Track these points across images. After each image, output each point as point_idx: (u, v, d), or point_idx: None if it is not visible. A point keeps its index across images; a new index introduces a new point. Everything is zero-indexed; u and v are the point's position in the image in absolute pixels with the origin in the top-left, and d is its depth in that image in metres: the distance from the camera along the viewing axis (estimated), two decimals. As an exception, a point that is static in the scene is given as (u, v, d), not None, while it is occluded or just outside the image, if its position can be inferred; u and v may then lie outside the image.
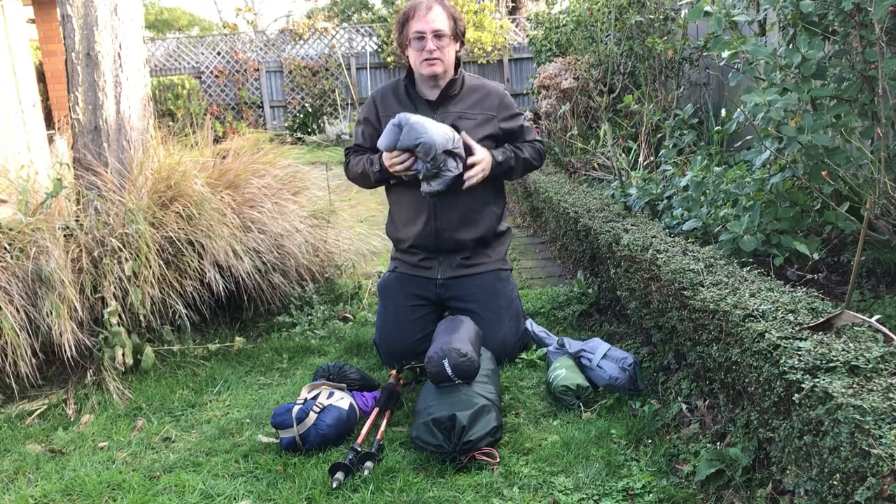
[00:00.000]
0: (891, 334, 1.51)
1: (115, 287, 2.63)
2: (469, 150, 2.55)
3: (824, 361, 1.41)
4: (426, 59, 2.57)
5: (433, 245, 2.67)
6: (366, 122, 2.76)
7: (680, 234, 2.67)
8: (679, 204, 2.94)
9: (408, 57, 2.65)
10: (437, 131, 2.44)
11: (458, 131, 2.59)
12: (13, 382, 2.43)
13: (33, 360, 2.44)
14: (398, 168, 2.52)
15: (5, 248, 2.58)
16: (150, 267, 2.67)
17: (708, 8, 2.40)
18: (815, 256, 2.23)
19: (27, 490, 1.98)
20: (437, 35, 2.55)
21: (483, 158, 2.56)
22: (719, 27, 2.38)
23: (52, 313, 2.46)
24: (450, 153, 2.48)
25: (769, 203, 2.38)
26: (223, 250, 2.82)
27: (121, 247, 2.68)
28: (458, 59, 2.68)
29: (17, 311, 2.44)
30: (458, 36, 2.64)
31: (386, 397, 2.27)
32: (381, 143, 2.52)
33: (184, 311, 2.74)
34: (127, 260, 2.65)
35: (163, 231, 2.78)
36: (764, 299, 1.76)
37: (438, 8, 2.58)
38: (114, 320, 2.58)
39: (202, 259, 2.80)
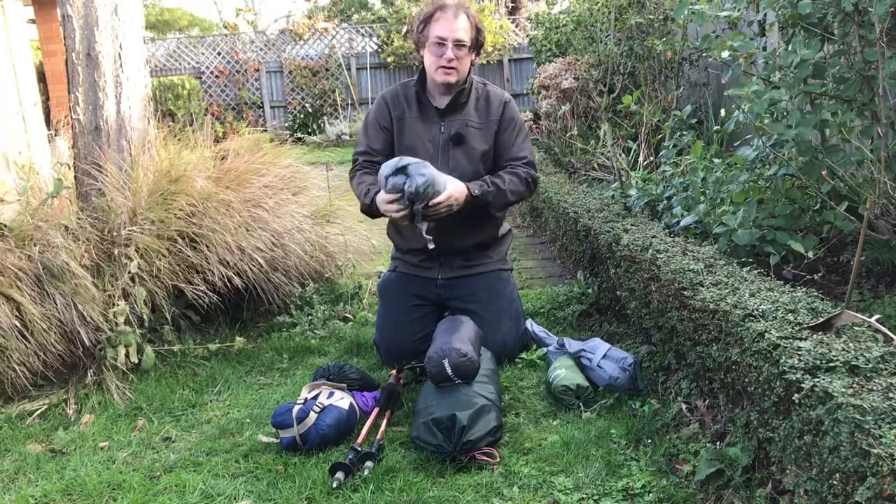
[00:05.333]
0: (890, 334, 1.51)
1: (122, 285, 2.63)
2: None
3: (824, 361, 1.41)
4: (443, 67, 2.52)
5: (433, 251, 2.66)
6: (377, 123, 2.69)
7: (679, 234, 2.67)
8: (679, 203, 2.95)
9: (422, 56, 2.61)
10: (437, 173, 2.37)
11: (463, 139, 2.58)
12: (40, 376, 2.48)
13: (61, 348, 2.48)
14: (394, 215, 2.40)
15: (10, 248, 2.58)
16: (157, 266, 2.68)
17: (699, 7, 2.40)
18: (811, 255, 2.23)
19: (27, 490, 1.98)
20: (459, 45, 2.51)
21: (451, 194, 2.38)
22: (704, 21, 2.39)
23: (68, 305, 2.47)
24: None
25: (767, 200, 2.39)
26: (230, 248, 2.83)
27: (126, 245, 2.69)
28: (470, 67, 2.65)
29: (33, 304, 2.45)
30: (478, 45, 2.61)
31: (386, 397, 2.27)
32: (384, 183, 2.36)
33: (193, 306, 2.74)
34: (132, 259, 2.66)
35: (168, 230, 2.78)
36: (764, 299, 1.76)
37: (464, 16, 2.53)
38: (120, 319, 2.58)
39: (208, 257, 2.80)
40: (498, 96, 2.69)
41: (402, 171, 2.33)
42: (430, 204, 2.35)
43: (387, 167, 2.36)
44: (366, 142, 2.71)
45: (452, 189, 2.40)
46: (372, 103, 2.81)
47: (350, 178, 2.73)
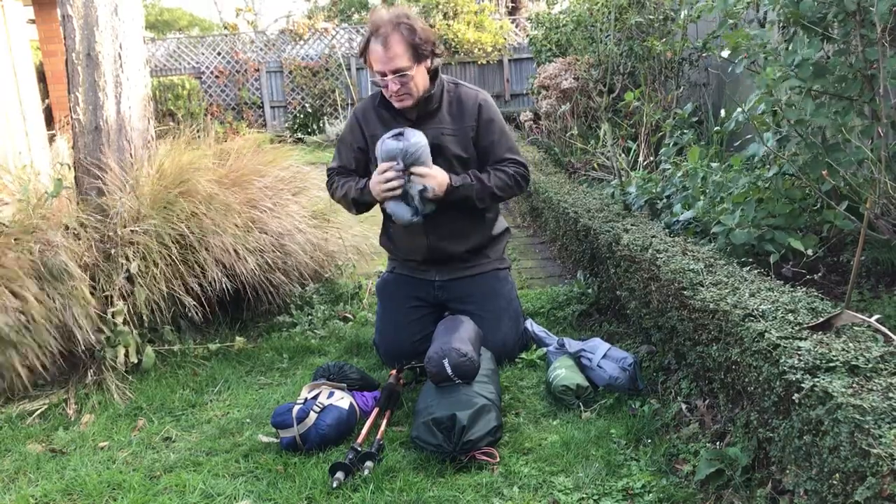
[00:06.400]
0: (890, 334, 1.51)
1: (120, 286, 2.63)
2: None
3: (824, 361, 1.41)
4: (393, 96, 2.47)
5: (428, 257, 2.66)
6: (351, 145, 2.64)
7: (679, 233, 2.67)
8: (679, 201, 2.95)
9: None
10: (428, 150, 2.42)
11: (440, 149, 2.52)
12: (40, 376, 2.49)
13: (63, 346, 2.47)
14: (390, 184, 2.37)
15: (10, 247, 2.58)
16: (157, 266, 2.68)
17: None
18: (810, 252, 2.23)
19: (28, 490, 1.98)
20: (398, 73, 2.39)
21: (435, 175, 2.39)
22: (727, 6, 2.37)
23: (66, 306, 2.47)
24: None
25: (767, 200, 2.39)
26: (228, 249, 2.83)
27: (126, 246, 2.69)
28: (434, 71, 2.53)
29: (38, 302, 2.46)
30: (425, 56, 2.44)
31: (386, 397, 2.27)
32: (380, 148, 2.41)
33: (192, 307, 2.74)
34: (132, 259, 2.66)
35: (169, 229, 2.78)
36: (764, 299, 1.76)
37: (395, 40, 2.36)
38: (119, 319, 2.58)
39: (209, 257, 2.80)
40: (471, 98, 2.58)
41: (398, 135, 2.38)
42: (416, 172, 2.37)
43: (384, 136, 2.41)
44: (339, 160, 2.69)
45: (437, 171, 2.41)
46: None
47: (329, 187, 2.70)
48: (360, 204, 2.58)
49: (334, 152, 2.76)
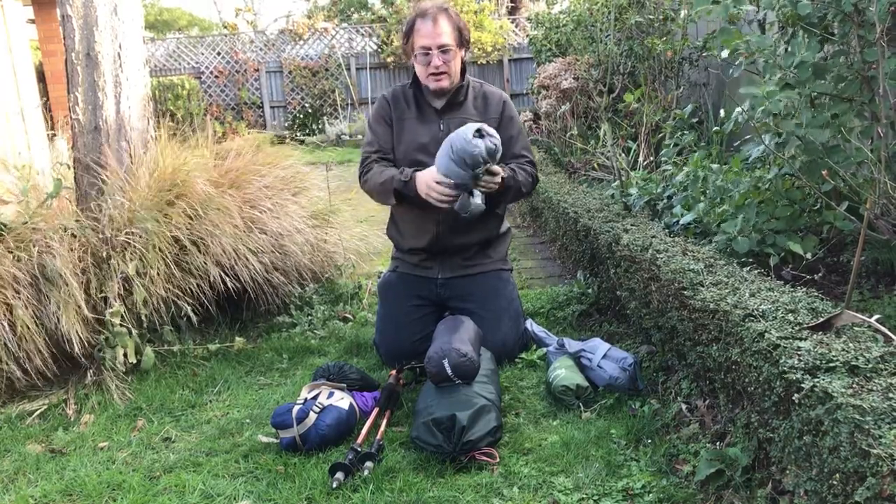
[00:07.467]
0: (890, 334, 1.51)
1: (117, 287, 2.63)
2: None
3: (824, 361, 1.41)
4: (433, 74, 2.55)
5: (435, 248, 2.67)
6: (381, 119, 2.69)
7: (679, 234, 2.67)
8: (679, 202, 2.95)
9: (413, 64, 2.62)
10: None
11: None
12: (23, 377, 2.46)
13: (46, 354, 2.47)
14: (441, 197, 2.38)
15: (9, 249, 2.58)
16: (154, 266, 2.68)
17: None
18: (809, 256, 2.23)
19: (27, 490, 1.98)
20: (443, 50, 2.52)
21: (500, 171, 2.43)
22: (725, 13, 2.35)
23: (60, 309, 2.47)
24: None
25: (767, 201, 2.39)
26: (227, 250, 2.82)
27: (124, 246, 2.69)
28: (463, 65, 2.65)
29: (26, 308, 2.45)
30: (464, 44, 2.61)
31: (386, 397, 2.27)
32: (469, 149, 2.29)
33: (189, 310, 2.74)
34: (130, 259, 2.66)
35: (166, 230, 2.79)
36: (764, 299, 1.76)
37: (444, 20, 2.52)
38: (116, 320, 2.58)
39: (206, 258, 2.80)
40: (496, 95, 2.70)
41: (479, 132, 2.31)
42: (494, 171, 2.38)
43: (468, 132, 2.29)
44: (376, 140, 2.68)
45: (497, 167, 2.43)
46: (372, 103, 2.80)
47: (363, 172, 2.66)
48: (400, 195, 2.53)
49: (367, 137, 2.73)
